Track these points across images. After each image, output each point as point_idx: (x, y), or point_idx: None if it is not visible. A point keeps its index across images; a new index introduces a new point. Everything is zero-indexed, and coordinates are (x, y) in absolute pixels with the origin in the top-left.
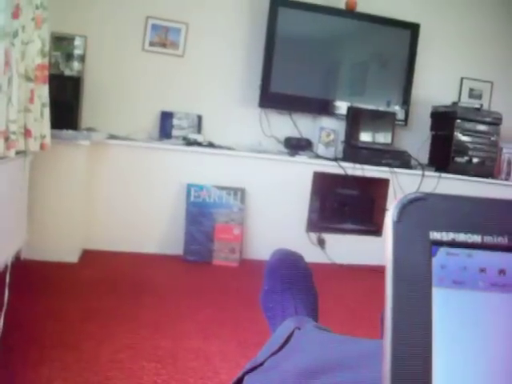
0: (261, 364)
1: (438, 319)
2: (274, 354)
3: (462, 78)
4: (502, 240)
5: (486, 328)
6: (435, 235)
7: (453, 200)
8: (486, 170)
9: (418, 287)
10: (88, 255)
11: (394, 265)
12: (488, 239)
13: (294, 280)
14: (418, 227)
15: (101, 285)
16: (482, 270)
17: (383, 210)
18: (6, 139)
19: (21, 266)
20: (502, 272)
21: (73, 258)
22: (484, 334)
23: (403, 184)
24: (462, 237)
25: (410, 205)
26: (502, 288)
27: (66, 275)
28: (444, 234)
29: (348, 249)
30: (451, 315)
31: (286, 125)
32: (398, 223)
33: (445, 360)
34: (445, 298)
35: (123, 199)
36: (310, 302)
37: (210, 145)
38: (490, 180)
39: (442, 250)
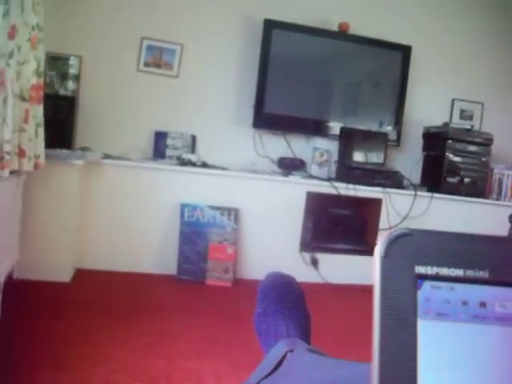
0: None
1: (423, 350)
2: (266, 376)
3: (453, 99)
4: (483, 274)
5: (468, 358)
6: (420, 269)
7: (437, 236)
8: (478, 189)
9: (404, 319)
10: (81, 275)
11: (381, 298)
12: (470, 273)
13: (286, 302)
14: (404, 262)
15: (94, 304)
16: (464, 303)
17: (376, 230)
18: (1, 159)
19: (13, 286)
20: (482, 305)
21: (66, 277)
22: (467, 364)
23: (396, 204)
24: (445, 271)
25: (397, 240)
26: (482, 320)
27: (58, 295)
28: (428, 268)
29: (341, 268)
30: (435, 346)
31: (279, 145)
32: (385, 258)
33: None
34: (429, 329)
35: (117, 218)
36: (302, 324)
37: (204, 165)
38: (481, 200)
39: (427, 284)
